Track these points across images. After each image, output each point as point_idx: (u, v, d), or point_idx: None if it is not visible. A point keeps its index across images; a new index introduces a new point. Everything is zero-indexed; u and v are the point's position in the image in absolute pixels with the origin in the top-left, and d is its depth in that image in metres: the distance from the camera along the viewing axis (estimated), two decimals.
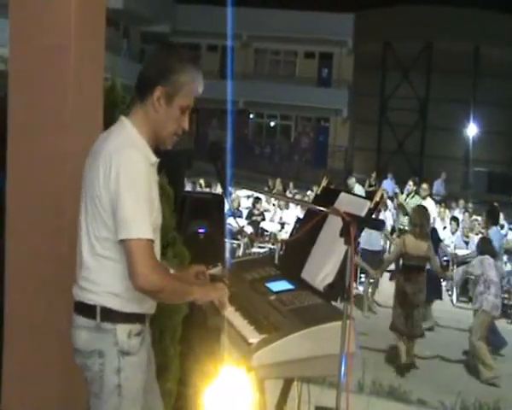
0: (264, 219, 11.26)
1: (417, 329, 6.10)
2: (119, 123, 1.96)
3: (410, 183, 10.59)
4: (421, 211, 6.32)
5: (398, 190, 14.59)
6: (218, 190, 10.75)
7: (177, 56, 1.94)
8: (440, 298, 8.09)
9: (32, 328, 2.54)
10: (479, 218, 12.36)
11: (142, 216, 1.80)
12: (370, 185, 15.93)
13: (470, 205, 13.74)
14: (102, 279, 1.89)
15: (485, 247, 6.53)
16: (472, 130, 27.20)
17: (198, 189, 12.19)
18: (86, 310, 1.91)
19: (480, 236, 8.54)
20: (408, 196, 10.53)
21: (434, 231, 8.52)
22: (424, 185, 10.26)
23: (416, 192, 10.51)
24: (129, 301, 1.89)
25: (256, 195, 11.46)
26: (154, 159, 1.97)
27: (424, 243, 6.02)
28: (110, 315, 1.89)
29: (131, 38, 25.36)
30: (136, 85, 1.96)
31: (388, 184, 17.35)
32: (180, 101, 1.92)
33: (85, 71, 2.58)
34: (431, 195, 12.51)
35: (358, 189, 12.89)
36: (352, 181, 12.50)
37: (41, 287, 2.53)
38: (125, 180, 1.80)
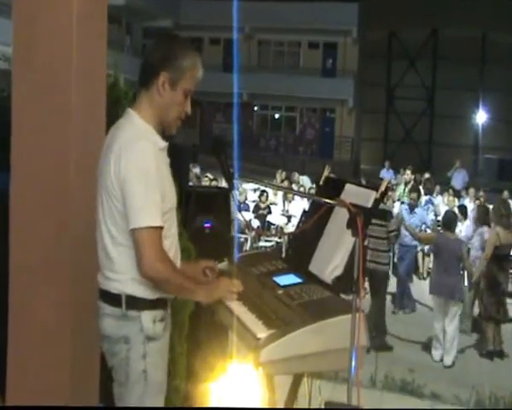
0: (270, 213, 11.24)
1: (507, 314, 6.63)
2: (126, 116, 2.04)
3: (408, 172, 10.31)
4: (506, 202, 6.96)
5: (393, 181, 14.20)
6: (224, 183, 10.72)
7: (178, 43, 2.05)
8: None
9: (37, 323, 2.55)
10: (490, 207, 12.22)
11: (150, 204, 1.88)
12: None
13: (481, 193, 13.55)
14: (125, 268, 1.96)
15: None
16: (481, 117, 27.02)
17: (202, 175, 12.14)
18: (112, 299, 1.99)
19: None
20: (406, 185, 10.25)
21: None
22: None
23: (415, 181, 10.29)
24: (151, 287, 1.97)
25: (262, 188, 11.43)
26: (163, 144, 2.05)
27: None
28: (135, 303, 1.97)
29: (134, 34, 25.35)
30: (140, 74, 2.04)
31: (386, 174, 17.03)
32: (183, 85, 2.01)
33: (88, 68, 2.59)
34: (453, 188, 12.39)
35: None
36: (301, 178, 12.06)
37: (45, 283, 2.53)
38: (134, 170, 1.89)
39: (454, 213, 7.48)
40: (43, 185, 2.55)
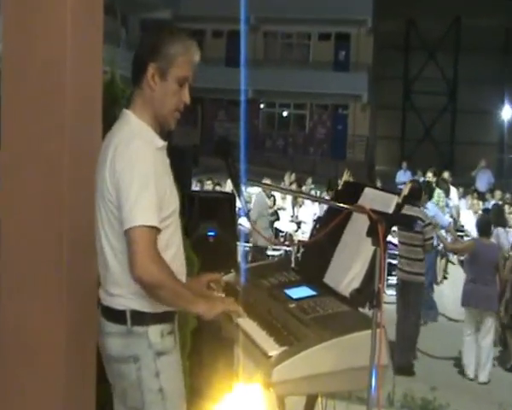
0: (278, 219, 11.23)
1: None
2: (121, 116, 2.06)
3: (429, 174, 10.33)
4: None
5: None
6: (228, 188, 10.75)
7: (165, 31, 2.06)
8: None
9: (28, 342, 2.56)
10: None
11: (145, 203, 1.88)
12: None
13: (508, 196, 13.54)
14: (128, 280, 1.94)
15: None
16: (507, 112, 26.92)
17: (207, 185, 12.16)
18: (116, 316, 1.99)
19: None
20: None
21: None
22: None
23: (437, 184, 10.37)
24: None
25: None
26: (162, 143, 2.05)
27: None
28: (140, 318, 1.97)
29: (130, 27, 25.46)
30: (131, 71, 2.06)
31: (402, 176, 17.07)
32: (175, 73, 2.01)
33: (83, 64, 2.59)
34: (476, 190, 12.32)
35: None
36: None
37: (38, 299, 2.54)
38: (127, 170, 1.89)
39: (489, 216, 7.47)
40: (35, 189, 2.55)
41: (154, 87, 2.00)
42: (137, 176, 1.88)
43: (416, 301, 6.37)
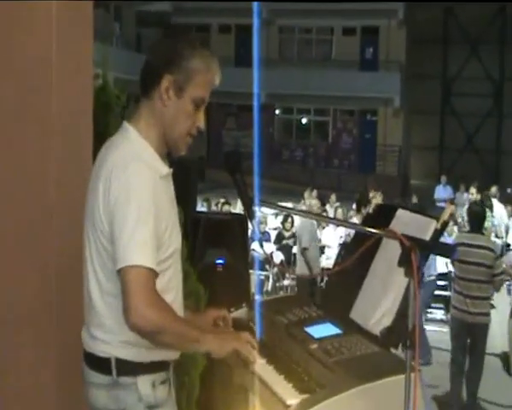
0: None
1: None
2: (120, 131, 2.04)
3: (473, 190, 10.38)
4: None
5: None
6: (239, 208, 10.78)
7: (187, 40, 2.04)
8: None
9: (12, 384, 2.58)
10: None
11: (142, 241, 1.86)
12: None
13: None
14: (116, 325, 1.94)
15: None
16: None
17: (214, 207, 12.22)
18: (99, 364, 1.98)
19: None
20: None
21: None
22: None
23: (482, 201, 10.40)
24: (148, 348, 1.94)
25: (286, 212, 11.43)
26: (166, 170, 2.03)
27: None
28: (128, 367, 1.95)
29: (124, 22, 25.76)
30: (141, 79, 2.04)
31: (442, 192, 17.05)
32: (192, 92, 1.99)
33: (70, 67, 2.62)
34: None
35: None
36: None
37: (24, 341, 2.56)
38: (123, 201, 1.87)
39: None
40: (18, 207, 2.57)
41: (167, 102, 1.98)
42: (134, 207, 1.86)
43: (481, 344, 6.22)
